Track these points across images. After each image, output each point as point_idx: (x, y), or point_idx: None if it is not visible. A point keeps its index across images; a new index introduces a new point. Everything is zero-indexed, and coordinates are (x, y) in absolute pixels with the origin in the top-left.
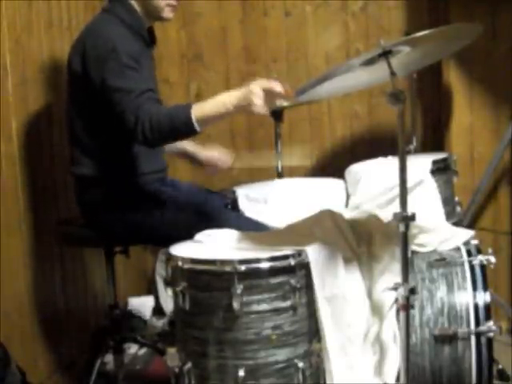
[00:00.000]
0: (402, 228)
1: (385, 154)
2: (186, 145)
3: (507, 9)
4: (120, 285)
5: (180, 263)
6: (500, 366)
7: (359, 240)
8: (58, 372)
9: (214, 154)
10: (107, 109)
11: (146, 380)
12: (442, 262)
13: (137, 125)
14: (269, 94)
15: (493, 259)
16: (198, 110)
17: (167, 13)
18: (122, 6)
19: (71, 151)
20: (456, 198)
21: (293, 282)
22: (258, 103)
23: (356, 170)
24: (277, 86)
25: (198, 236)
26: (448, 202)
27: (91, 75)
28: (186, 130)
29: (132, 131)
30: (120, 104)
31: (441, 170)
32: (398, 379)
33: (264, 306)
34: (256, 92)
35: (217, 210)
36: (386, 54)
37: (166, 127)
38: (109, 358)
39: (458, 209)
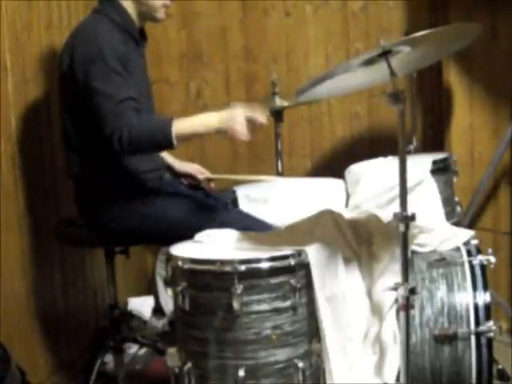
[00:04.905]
0: (401, 228)
1: (385, 154)
2: (165, 156)
3: (507, 9)
4: (120, 285)
5: (180, 263)
6: (500, 366)
7: (359, 240)
8: (57, 372)
9: (190, 168)
10: (89, 109)
11: (146, 380)
12: (442, 262)
13: (113, 133)
14: (251, 122)
15: (493, 259)
16: (179, 128)
17: (161, 13)
18: (112, 7)
19: (66, 152)
20: (456, 198)
21: (293, 282)
22: (240, 130)
23: (356, 170)
24: (260, 117)
25: (198, 236)
26: (448, 202)
27: (76, 75)
28: (164, 145)
29: (108, 138)
30: (100, 108)
31: (441, 169)
32: (398, 379)
33: (264, 306)
34: (239, 119)
35: (216, 209)
36: (385, 54)
37: (145, 140)
38: (109, 358)
39: (458, 209)
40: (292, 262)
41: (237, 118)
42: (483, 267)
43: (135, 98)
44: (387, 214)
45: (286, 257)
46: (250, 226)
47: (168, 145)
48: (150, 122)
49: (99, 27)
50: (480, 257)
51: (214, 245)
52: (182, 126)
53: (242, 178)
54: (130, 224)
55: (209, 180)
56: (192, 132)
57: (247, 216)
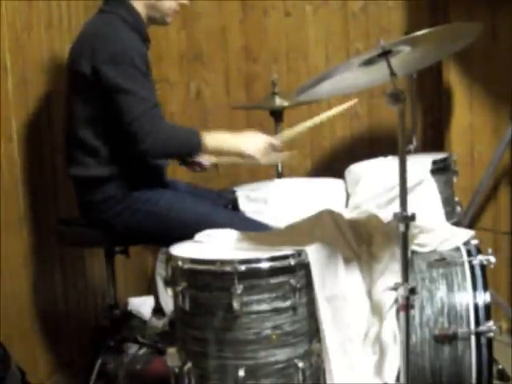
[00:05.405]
0: (401, 228)
1: (385, 154)
2: None
3: (507, 9)
4: (120, 285)
5: (180, 263)
6: (500, 366)
7: (359, 240)
8: (57, 372)
9: None
10: (112, 108)
11: (146, 380)
12: (442, 262)
13: (147, 135)
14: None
15: (493, 259)
16: (208, 140)
17: (171, 17)
18: (123, 6)
19: (69, 152)
20: (456, 198)
21: (293, 282)
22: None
23: (356, 170)
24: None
25: (198, 236)
26: (448, 202)
27: (103, 78)
28: (191, 152)
29: (139, 141)
30: (130, 109)
31: (441, 169)
32: (398, 379)
33: (264, 306)
34: (262, 151)
35: (217, 210)
36: (385, 54)
37: (177, 146)
38: (109, 358)
39: (458, 209)
40: (292, 262)
41: (262, 159)
42: (483, 267)
43: (157, 104)
44: (387, 214)
45: (286, 257)
46: (249, 228)
47: (195, 152)
48: (181, 129)
49: (117, 28)
50: (480, 257)
51: (214, 245)
52: (211, 139)
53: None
54: (132, 223)
55: (216, 165)
56: (218, 149)
57: (246, 218)
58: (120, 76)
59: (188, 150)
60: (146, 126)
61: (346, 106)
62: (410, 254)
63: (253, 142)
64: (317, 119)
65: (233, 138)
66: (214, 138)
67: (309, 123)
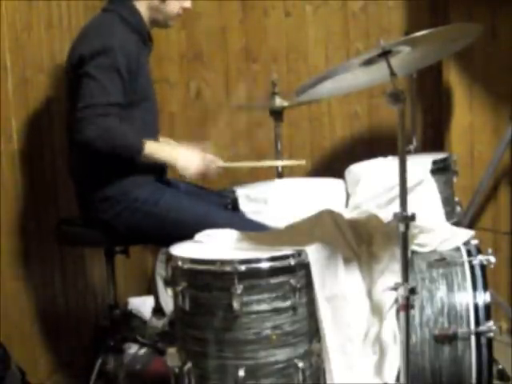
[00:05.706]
0: (401, 228)
1: (385, 154)
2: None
3: (507, 9)
4: (120, 285)
5: (180, 263)
6: (500, 366)
7: (359, 240)
8: (57, 372)
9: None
10: (75, 89)
11: (146, 380)
12: (442, 262)
13: (90, 127)
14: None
15: (493, 259)
16: (149, 146)
17: (174, 21)
18: (125, 7)
19: (71, 153)
20: (456, 198)
21: (293, 282)
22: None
23: (356, 170)
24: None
25: (198, 236)
26: (448, 202)
27: (82, 67)
28: (131, 152)
29: (82, 128)
30: (89, 95)
31: (441, 169)
32: (398, 379)
33: (264, 306)
34: (195, 166)
35: (216, 210)
36: (385, 54)
37: (113, 150)
38: (109, 358)
39: (458, 209)
40: (292, 262)
41: (194, 164)
42: (483, 267)
43: (120, 104)
44: (387, 214)
45: (286, 257)
46: (249, 229)
47: (133, 156)
48: (127, 133)
49: (114, 27)
50: (480, 257)
51: (214, 245)
52: (152, 146)
53: (254, 164)
54: (131, 223)
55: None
56: (154, 159)
57: (246, 219)
58: (95, 66)
59: (127, 153)
60: (94, 117)
61: (294, 163)
62: (410, 254)
63: (188, 159)
64: (263, 164)
65: (171, 151)
66: (153, 149)
67: (254, 164)
